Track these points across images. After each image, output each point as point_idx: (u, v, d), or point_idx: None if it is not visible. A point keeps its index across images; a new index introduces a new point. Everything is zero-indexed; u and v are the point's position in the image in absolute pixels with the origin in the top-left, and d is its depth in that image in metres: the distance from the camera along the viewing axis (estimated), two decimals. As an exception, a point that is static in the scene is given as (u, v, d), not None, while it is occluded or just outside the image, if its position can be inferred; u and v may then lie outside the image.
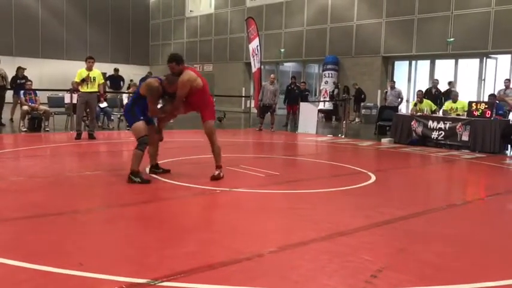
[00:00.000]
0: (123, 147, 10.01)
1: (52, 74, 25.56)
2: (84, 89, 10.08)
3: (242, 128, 16.67)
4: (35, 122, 11.85)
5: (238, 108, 25.26)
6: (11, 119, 13.52)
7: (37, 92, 12.41)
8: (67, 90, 12.65)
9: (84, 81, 9.99)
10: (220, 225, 4.22)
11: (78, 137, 10.15)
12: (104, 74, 24.84)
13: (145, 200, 5.03)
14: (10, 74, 13.68)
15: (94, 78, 10.09)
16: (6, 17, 25.97)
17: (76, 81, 10.22)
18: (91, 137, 10.36)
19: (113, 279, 2.84)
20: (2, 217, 4.20)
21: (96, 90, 10.25)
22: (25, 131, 11.54)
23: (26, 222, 4.10)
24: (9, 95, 13.31)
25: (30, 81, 12.97)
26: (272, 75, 15.21)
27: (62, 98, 12.92)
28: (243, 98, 24.41)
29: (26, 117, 11.79)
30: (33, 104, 11.88)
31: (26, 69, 13.97)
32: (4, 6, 25.85)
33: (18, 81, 13.37)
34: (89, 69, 10.10)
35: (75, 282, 2.82)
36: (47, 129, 11.75)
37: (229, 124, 16.96)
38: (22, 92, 12.12)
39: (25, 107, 11.74)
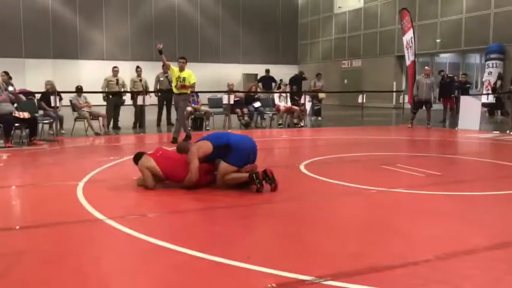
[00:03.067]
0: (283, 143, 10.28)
1: (209, 76, 27.53)
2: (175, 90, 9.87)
3: (393, 124, 16.02)
4: (198, 122, 12.86)
5: (389, 103, 24.35)
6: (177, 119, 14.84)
7: (199, 94, 13.44)
8: (225, 92, 13.49)
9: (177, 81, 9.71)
10: (381, 227, 4.08)
11: (187, 138, 9.75)
12: (255, 75, 26.16)
13: (302, 197, 5.11)
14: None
15: (184, 79, 9.66)
16: (171, 26, 28.66)
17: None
18: (174, 141, 9.51)
19: (278, 273, 2.93)
20: (176, 209, 4.64)
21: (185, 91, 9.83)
22: (189, 129, 12.57)
23: (196, 214, 4.47)
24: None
25: (193, 84, 14.10)
26: (427, 68, 14.32)
27: (221, 99, 13.80)
28: (394, 93, 23.45)
29: (190, 118, 12.85)
30: (195, 105, 12.90)
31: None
32: (168, 16, 28.54)
33: (182, 84, 14.61)
34: (181, 69, 9.70)
35: (242, 273, 2.97)
36: (207, 128, 12.67)
37: (380, 121, 16.43)
38: (187, 94, 13.23)
39: (189, 108, 12.79)
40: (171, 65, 9.66)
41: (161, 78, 14.02)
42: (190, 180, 5.17)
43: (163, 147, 5.71)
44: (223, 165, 5.15)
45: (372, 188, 5.45)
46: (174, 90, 9.83)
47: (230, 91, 13.47)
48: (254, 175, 5.07)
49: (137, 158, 5.47)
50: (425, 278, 2.91)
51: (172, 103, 12.24)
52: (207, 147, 5.19)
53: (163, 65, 10.71)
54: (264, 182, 5.10)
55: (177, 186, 5.41)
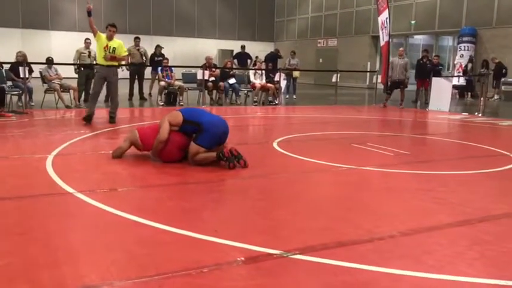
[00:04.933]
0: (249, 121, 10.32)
1: (184, 51, 27.13)
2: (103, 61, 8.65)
3: (366, 104, 16.20)
4: (171, 97, 12.72)
5: (363, 84, 24.57)
6: (150, 94, 14.67)
7: (172, 68, 13.27)
8: (200, 67, 13.34)
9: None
10: (349, 203, 4.17)
11: (88, 119, 8.47)
12: (231, 51, 25.89)
13: (273, 173, 5.16)
14: (149, 51, 14.75)
15: (114, 49, 8.56)
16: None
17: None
18: (112, 120, 8.77)
19: (247, 247, 2.98)
20: (147, 183, 4.63)
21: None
22: (162, 105, 12.46)
23: (166, 189, 4.47)
24: (147, 71, 14.46)
25: (166, 58, 13.91)
26: (401, 49, 14.51)
27: (195, 75, 13.65)
28: (368, 73, 23.64)
29: (163, 92, 12.71)
30: (169, 80, 12.75)
31: (163, 47, 14.99)
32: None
33: (156, 58, 14.41)
34: (110, 38, 8.59)
35: (211, 247, 3.00)
36: (181, 103, 12.56)
37: (353, 100, 16.60)
38: (160, 68, 13.06)
39: (162, 83, 12.65)
40: (99, 32, 8.56)
41: (133, 52, 13.77)
42: (158, 140, 5.27)
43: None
44: (193, 146, 5.25)
45: (342, 166, 5.54)
46: (101, 61, 8.62)
47: (208, 66, 13.28)
48: (220, 154, 5.19)
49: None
50: (390, 253, 3.00)
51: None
52: (177, 115, 5.39)
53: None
54: (234, 160, 5.18)
55: (149, 161, 5.39)
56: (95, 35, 8.54)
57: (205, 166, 5.20)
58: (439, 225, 3.56)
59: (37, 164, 5.16)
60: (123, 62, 12.98)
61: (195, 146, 5.24)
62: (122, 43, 8.79)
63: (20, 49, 12.45)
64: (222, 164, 5.21)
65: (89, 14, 8.44)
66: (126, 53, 9.13)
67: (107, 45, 8.49)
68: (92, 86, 10.19)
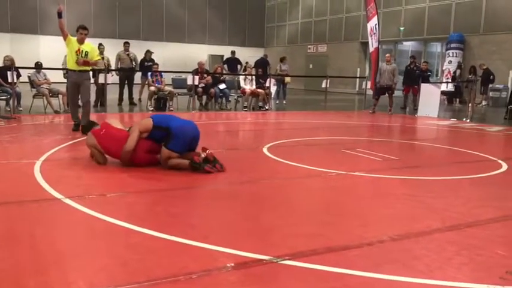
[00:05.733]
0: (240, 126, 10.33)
1: (174, 56, 27.06)
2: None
3: (356, 110, 16.28)
4: (161, 102, 12.68)
5: (352, 89, 24.69)
6: (139, 99, 14.62)
7: (162, 73, 13.23)
8: (190, 72, 13.32)
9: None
10: (339, 209, 4.18)
11: (76, 127, 8.18)
12: (221, 57, 25.87)
13: (263, 178, 5.16)
14: (139, 57, 14.70)
15: (86, 53, 7.99)
16: (135, 4, 27.93)
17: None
18: (75, 128, 8.21)
19: (237, 253, 2.96)
20: (135, 189, 4.60)
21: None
22: (152, 110, 12.41)
23: (155, 194, 4.44)
24: (137, 76, 14.41)
25: (156, 64, 13.87)
26: (388, 54, 14.62)
27: (185, 80, 13.62)
28: (358, 79, 23.78)
29: (153, 98, 12.67)
30: (159, 85, 12.71)
31: (153, 52, 14.96)
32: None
33: (145, 63, 14.36)
34: (81, 41, 7.99)
35: (200, 253, 2.99)
36: (171, 108, 12.52)
37: (343, 106, 16.67)
38: (150, 73, 13.02)
39: (152, 88, 12.61)
40: (70, 36, 7.98)
41: (122, 57, 13.73)
42: (125, 150, 5.24)
43: (108, 122, 5.60)
44: (164, 151, 5.26)
45: (331, 171, 5.56)
46: (72, 66, 8.02)
47: (200, 71, 13.25)
48: (192, 163, 5.18)
49: (87, 129, 5.66)
50: (379, 258, 3.01)
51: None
52: (147, 122, 5.40)
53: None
54: (209, 164, 5.20)
55: (138, 166, 5.36)
56: (65, 38, 7.95)
57: (194, 171, 5.17)
58: (427, 231, 3.58)
59: (25, 170, 5.11)
60: (114, 67, 12.95)
61: (166, 150, 5.25)
62: (94, 47, 8.42)
63: (9, 53, 12.34)
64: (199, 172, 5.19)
65: (59, 15, 7.86)
66: (99, 58, 8.72)
67: (78, 49, 7.95)
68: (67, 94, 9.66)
